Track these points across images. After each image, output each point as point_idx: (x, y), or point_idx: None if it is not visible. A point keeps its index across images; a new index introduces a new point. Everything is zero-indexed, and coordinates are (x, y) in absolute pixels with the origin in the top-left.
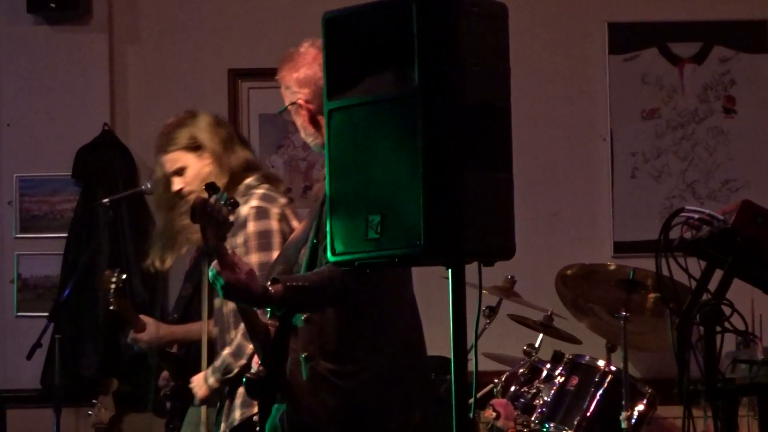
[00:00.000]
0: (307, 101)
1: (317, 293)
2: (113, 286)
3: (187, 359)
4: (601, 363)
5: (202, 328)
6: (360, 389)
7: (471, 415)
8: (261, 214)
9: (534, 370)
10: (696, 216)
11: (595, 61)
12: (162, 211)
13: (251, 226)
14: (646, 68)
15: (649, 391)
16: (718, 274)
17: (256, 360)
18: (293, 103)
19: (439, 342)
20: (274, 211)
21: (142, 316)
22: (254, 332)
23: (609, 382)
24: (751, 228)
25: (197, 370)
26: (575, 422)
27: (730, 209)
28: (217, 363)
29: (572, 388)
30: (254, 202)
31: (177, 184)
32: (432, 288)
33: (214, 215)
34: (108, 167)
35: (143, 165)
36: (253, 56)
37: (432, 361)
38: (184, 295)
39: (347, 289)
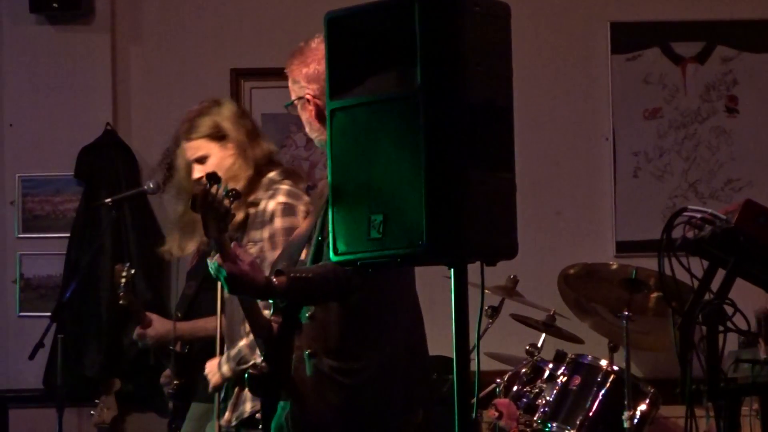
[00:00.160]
0: (315, 97)
1: (321, 285)
2: (124, 280)
3: (190, 357)
4: (603, 363)
5: (216, 321)
6: (363, 387)
7: (473, 414)
8: (288, 210)
9: (536, 370)
10: (698, 215)
11: (597, 60)
12: (182, 198)
13: (278, 222)
14: (649, 68)
15: (652, 390)
16: (720, 274)
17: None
18: (301, 98)
19: (441, 342)
20: (301, 208)
21: (147, 313)
22: (257, 328)
23: (611, 382)
24: (754, 227)
25: (199, 369)
26: (578, 422)
27: (733, 209)
28: (233, 352)
29: (575, 387)
30: (281, 198)
31: (198, 172)
32: (434, 288)
33: (215, 206)
34: (110, 167)
35: (146, 165)
36: (256, 56)
37: (434, 361)
38: (188, 294)
39: (351, 283)
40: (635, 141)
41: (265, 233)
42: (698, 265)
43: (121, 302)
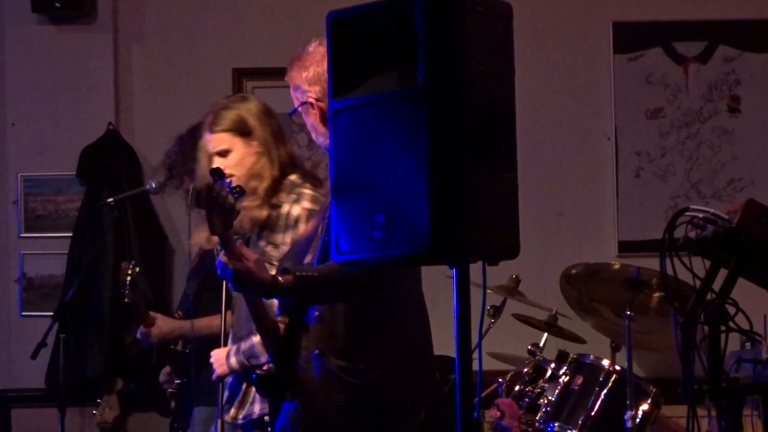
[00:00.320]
0: (317, 99)
1: (327, 284)
2: (129, 278)
3: (191, 356)
4: (605, 362)
5: (220, 320)
6: (371, 386)
7: (475, 414)
8: (312, 217)
9: (538, 370)
10: (700, 215)
11: (599, 60)
12: None
13: (303, 228)
14: (651, 67)
15: (654, 390)
16: (722, 274)
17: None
18: (304, 103)
19: (443, 341)
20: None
21: (151, 312)
22: (264, 329)
23: (613, 382)
24: (756, 227)
25: (202, 369)
26: (580, 421)
27: (735, 208)
28: (245, 346)
29: (577, 387)
30: (306, 204)
31: (217, 165)
32: (436, 287)
33: (219, 201)
34: (113, 167)
35: (148, 164)
36: (258, 56)
37: (437, 361)
38: (189, 293)
39: (356, 282)
40: (637, 141)
41: (288, 238)
42: (700, 265)
43: (125, 300)
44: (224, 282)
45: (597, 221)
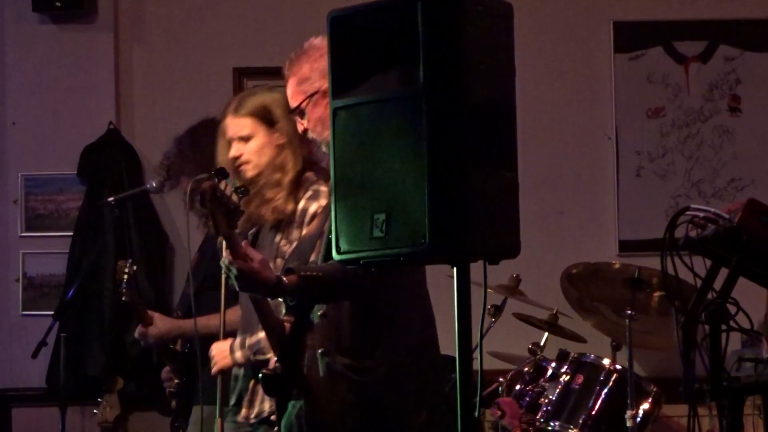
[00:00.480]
0: None
1: (331, 284)
2: (126, 276)
3: (190, 356)
4: (606, 362)
5: (219, 320)
6: (376, 384)
7: (476, 413)
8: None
9: (539, 369)
10: (701, 214)
11: (600, 59)
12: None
13: None
14: (652, 67)
15: (655, 389)
16: (723, 273)
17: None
18: (314, 93)
19: (444, 341)
20: None
21: (149, 311)
22: (270, 328)
23: (614, 381)
24: (757, 226)
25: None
26: (580, 421)
27: (736, 208)
28: (251, 341)
29: (577, 386)
30: (323, 201)
31: (236, 150)
32: (437, 287)
33: (224, 201)
34: (113, 166)
35: (148, 164)
36: (259, 55)
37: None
38: (189, 293)
39: (361, 280)
40: (638, 140)
41: (304, 233)
42: (701, 264)
43: (123, 298)
44: (224, 282)
45: (598, 220)
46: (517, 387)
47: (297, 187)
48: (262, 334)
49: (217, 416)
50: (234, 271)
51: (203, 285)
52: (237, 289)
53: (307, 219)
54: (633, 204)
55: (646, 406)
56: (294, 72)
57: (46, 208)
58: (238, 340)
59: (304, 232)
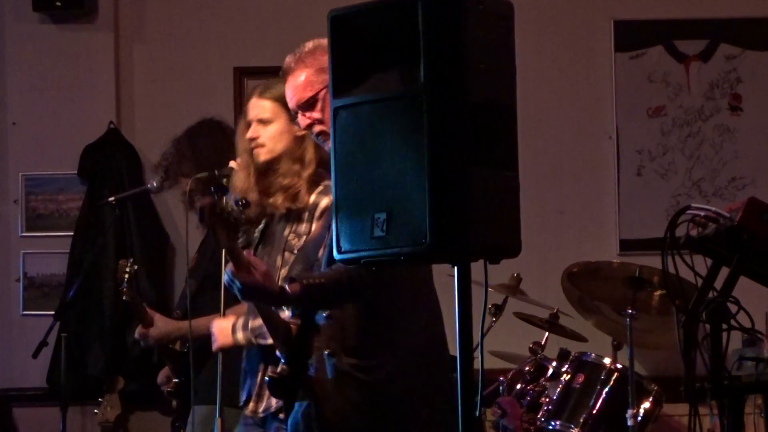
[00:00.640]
0: None
1: (335, 290)
2: (127, 275)
3: (189, 356)
4: (607, 361)
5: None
6: (383, 383)
7: (477, 413)
8: None
9: (540, 368)
10: (702, 213)
11: (601, 58)
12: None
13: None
14: (653, 66)
15: (655, 388)
16: (724, 272)
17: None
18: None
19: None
20: None
21: (149, 309)
22: (276, 332)
23: (615, 380)
24: (758, 225)
25: (200, 368)
26: (581, 420)
27: (736, 207)
28: (254, 324)
29: (578, 385)
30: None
31: (253, 131)
32: (438, 286)
33: (224, 216)
34: (114, 166)
35: (149, 163)
36: (259, 54)
37: None
38: (188, 292)
39: (366, 284)
40: (639, 139)
41: (312, 228)
42: (702, 263)
43: (123, 297)
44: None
45: (598, 219)
46: (518, 386)
47: (314, 182)
48: None
49: (217, 416)
50: (237, 284)
51: (203, 284)
52: (240, 299)
53: (317, 213)
54: (634, 203)
55: (646, 405)
56: (309, 63)
57: (46, 207)
58: (241, 320)
59: (313, 227)
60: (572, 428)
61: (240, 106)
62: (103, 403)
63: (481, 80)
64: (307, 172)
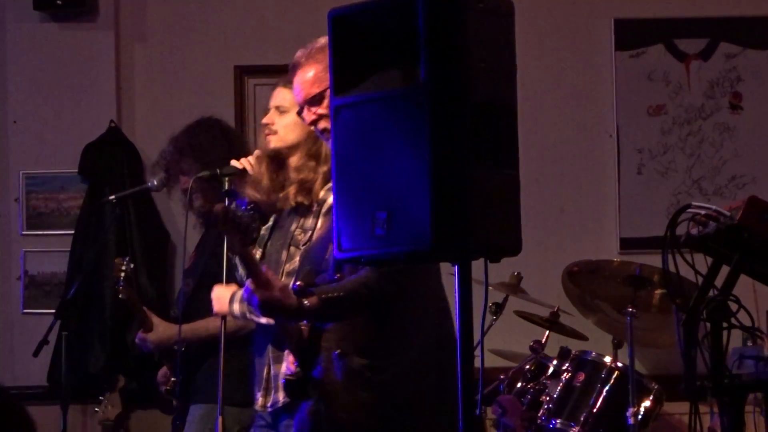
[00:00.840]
0: None
1: (353, 302)
2: (123, 273)
3: (188, 356)
4: (607, 359)
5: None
6: (394, 383)
7: (477, 411)
8: None
9: (540, 367)
10: (702, 212)
11: (601, 57)
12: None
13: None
14: (653, 64)
15: (656, 387)
16: (724, 270)
17: (291, 359)
18: None
19: None
20: None
21: (148, 312)
22: (288, 335)
23: (615, 379)
24: (758, 224)
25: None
26: (582, 418)
27: (737, 205)
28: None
29: (579, 384)
30: None
31: (269, 117)
32: None
33: (236, 222)
34: (115, 164)
35: (149, 162)
36: (260, 53)
37: None
38: (186, 291)
39: (384, 293)
40: (639, 138)
41: (318, 224)
42: (702, 262)
43: (120, 296)
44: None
45: (599, 218)
46: (519, 385)
47: (329, 179)
48: None
49: (218, 415)
50: (255, 300)
51: (201, 282)
52: (258, 315)
53: (324, 209)
54: (634, 201)
55: (647, 403)
56: (319, 60)
57: (47, 206)
58: (240, 291)
59: (319, 222)
60: (573, 427)
61: (241, 105)
62: (104, 402)
63: (482, 79)
64: (323, 169)
